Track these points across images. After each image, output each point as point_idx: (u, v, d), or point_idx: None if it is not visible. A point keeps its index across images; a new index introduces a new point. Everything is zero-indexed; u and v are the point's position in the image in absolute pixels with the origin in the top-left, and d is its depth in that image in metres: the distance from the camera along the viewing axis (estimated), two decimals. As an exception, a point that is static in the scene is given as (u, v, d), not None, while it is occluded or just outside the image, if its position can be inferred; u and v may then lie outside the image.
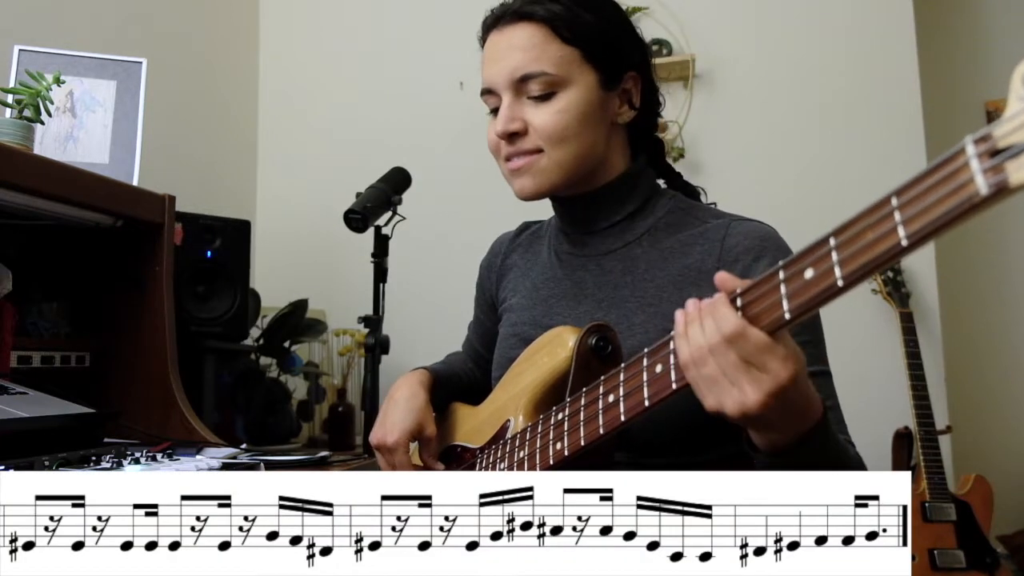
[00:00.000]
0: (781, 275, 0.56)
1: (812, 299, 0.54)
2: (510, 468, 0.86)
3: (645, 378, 0.66)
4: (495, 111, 0.97)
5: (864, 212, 0.51)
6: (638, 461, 0.86)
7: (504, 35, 0.94)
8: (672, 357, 0.64)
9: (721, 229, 0.92)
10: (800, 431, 0.65)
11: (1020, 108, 0.43)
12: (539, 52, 0.91)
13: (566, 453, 0.75)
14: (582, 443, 0.73)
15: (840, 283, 0.52)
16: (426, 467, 1.01)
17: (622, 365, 0.70)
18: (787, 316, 0.55)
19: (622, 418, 0.68)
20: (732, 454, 0.89)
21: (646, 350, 0.67)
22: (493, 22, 0.97)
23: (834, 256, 0.52)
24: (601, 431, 0.71)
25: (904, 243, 0.48)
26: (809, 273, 0.54)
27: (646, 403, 0.66)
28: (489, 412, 0.98)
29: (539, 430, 0.81)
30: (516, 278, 1.10)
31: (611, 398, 0.70)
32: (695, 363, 0.61)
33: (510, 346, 1.02)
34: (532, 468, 0.81)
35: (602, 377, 0.73)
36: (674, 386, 0.63)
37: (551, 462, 0.77)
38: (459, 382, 1.15)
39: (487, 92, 0.97)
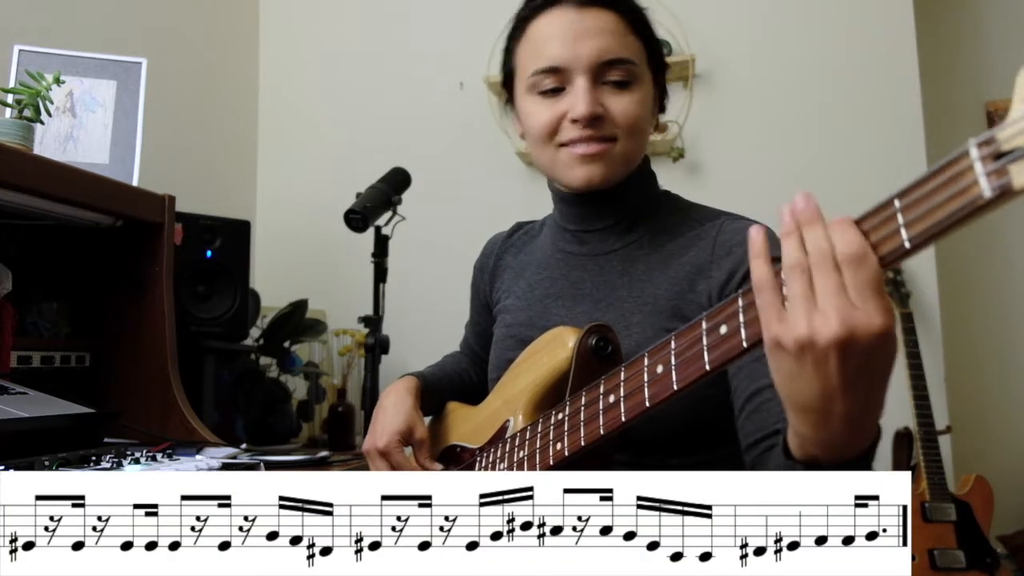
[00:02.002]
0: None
1: None
2: (510, 468, 0.86)
3: (646, 378, 0.66)
4: (547, 93, 0.92)
5: (867, 214, 0.51)
6: (638, 461, 0.86)
7: (586, 16, 0.90)
8: (673, 358, 0.63)
9: (714, 228, 0.93)
10: (855, 448, 0.57)
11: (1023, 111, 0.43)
12: (624, 40, 0.90)
13: (566, 453, 0.75)
14: (582, 443, 0.73)
15: None
16: (422, 469, 1.01)
17: (622, 365, 0.70)
18: None
19: (623, 418, 0.68)
20: (732, 453, 0.89)
21: (647, 350, 0.67)
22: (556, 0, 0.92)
23: None
24: (601, 431, 0.71)
25: (907, 245, 0.48)
26: None
27: (647, 404, 0.65)
28: (489, 412, 0.98)
29: (539, 430, 0.81)
30: (510, 279, 1.10)
31: (611, 398, 0.70)
32: (792, 271, 0.52)
33: (507, 347, 1.02)
34: (532, 468, 0.81)
35: (602, 377, 0.73)
36: (675, 387, 0.63)
37: (551, 462, 0.77)
38: (450, 384, 1.15)
39: (549, 71, 0.91)
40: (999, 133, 0.43)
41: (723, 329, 0.59)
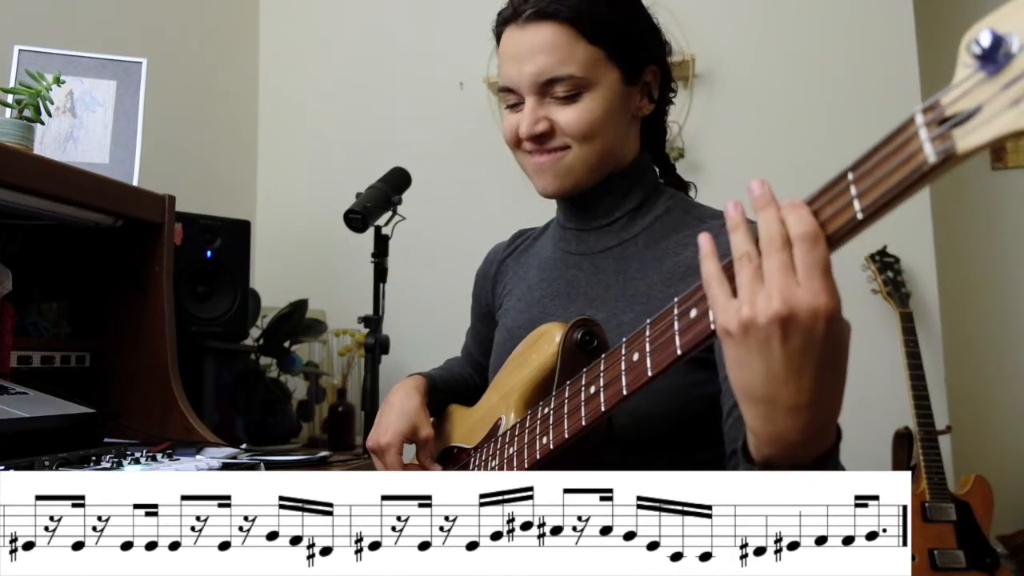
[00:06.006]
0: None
1: None
2: (500, 465, 0.86)
3: (623, 367, 0.66)
4: (513, 106, 0.95)
5: (822, 189, 0.51)
6: (627, 460, 0.86)
7: (527, 34, 0.91)
8: (648, 345, 0.63)
9: (714, 228, 0.91)
10: (810, 450, 0.56)
11: (965, 75, 0.43)
12: (565, 54, 0.90)
13: (551, 446, 0.76)
14: (566, 435, 0.74)
15: None
16: (423, 469, 1.01)
17: (602, 356, 0.71)
18: None
19: (602, 408, 0.68)
20: (723, 455, 0.89)
21: (624, 339, 0.67)
22: (512, 16, 0.93)
23: None
24: (584, 422, 0.71)
25: (860, 216, 0.48)
26: None
27: (624, 392, 0.65)
28: (482, 412, 0.99)
29: (527, 425, 0.82)
30: (512, 284, 1.10)
31: (592, 389, 0.70)
32: (740, 260, 0.53)
33: (507, 350, 1.02)
34: (520, 463, 0.81)
35: (584, 369, 0.73)
36: (649, 373, 0.62)
37: (538, 456, 0.78)
38: (456, 385, 1.16)
39: (506, 90, 0.95)
40: (943, 98, 0.44)
41: (693, 312, 0.58)
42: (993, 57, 0.42)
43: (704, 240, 0.57)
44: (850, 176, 0.49)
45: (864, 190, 0.48)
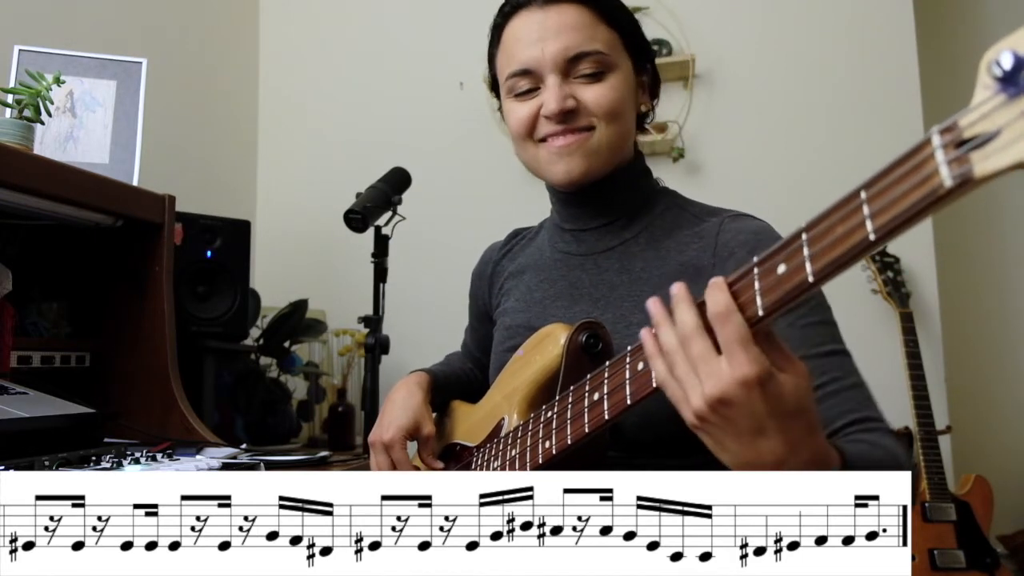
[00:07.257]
0: (755, 272, 0.55)
1: (785, 295, 0.53)
2: (502, 466, 0.86)
3: (627, 375, 0.66)
4: (523, 94, 0.94)
5: (834, 206, 0.50)
6: (630, 461, 0.86)
7: (549, 14, 0.91)
8: None
9: (716, 226, 0.92)
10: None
11: (985, 97, 0.41)
12: (591, 32, 0.91)
13: (554, 452, 0.76)
14: (568, 441, 0.73)
15: (811, 279, 0.51)
16: (425, 466, 1.01)
17: (607, 363, 0.70)
18: (760, 313, 0.54)
19: (606, 416, 0.68)
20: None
21: (629, 347, 0.67)
22: (525, 1, 0.93)
23: (805, 251, 0.51)
24: (586, 429, 0.71)
25: (872, 237, 0.47)
26: (781, 268, 0.53)
27: (628, 401, 0.65)
28: (486, 410, 0.99)
29: (530, 428, 0.82)
30: (509, 283, 1.10)
31: (596, 396, 0.70)
32: (669, 356, 0.58)
33: (506, 350, 1.02)
34: (523, 466, 0.81)
35: (588, 375, 0.73)
36: (654, 383, 0.62)
37: (540, 460, 0.78)
38: (458, 382, 1.16)
39: (521, 74, 0.93)
40: (961, 120, 0.42)
41: None
42: (1014, 80, 0.40)
43: (646, 337, 0.60)
44: (863, 195, 0.48)
45: (877, 211, 0.47)
